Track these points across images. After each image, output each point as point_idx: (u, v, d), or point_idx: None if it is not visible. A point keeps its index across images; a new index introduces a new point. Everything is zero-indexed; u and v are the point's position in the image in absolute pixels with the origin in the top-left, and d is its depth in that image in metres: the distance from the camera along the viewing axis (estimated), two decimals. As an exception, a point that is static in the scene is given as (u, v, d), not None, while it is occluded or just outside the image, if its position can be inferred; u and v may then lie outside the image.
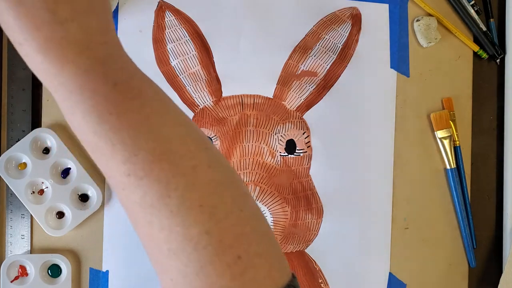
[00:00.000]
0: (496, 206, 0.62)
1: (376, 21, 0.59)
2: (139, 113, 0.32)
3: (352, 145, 0.58)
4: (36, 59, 0.31)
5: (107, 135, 0.32)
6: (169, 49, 0.56)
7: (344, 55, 0.58)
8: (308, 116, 0.58)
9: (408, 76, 0.60)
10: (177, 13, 0.57)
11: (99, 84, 0.32)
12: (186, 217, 0.31)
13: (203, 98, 0.57)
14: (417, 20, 0.59)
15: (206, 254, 0.32)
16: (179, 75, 0.56)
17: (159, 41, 0.56)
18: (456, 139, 0.59)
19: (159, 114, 0.34)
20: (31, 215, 0.54)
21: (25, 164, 0.54)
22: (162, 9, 0.57)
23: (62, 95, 0.32)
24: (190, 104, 0.56)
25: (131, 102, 0.33)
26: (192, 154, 0.33)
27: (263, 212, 0.55)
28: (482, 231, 0.61)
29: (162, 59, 0.56)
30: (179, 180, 0.32)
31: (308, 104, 0.58)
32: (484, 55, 0.61)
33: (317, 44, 0.58)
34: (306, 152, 0.57)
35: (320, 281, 0.57)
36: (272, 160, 0.56)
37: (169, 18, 0.57)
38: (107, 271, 0.55)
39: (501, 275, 0.59)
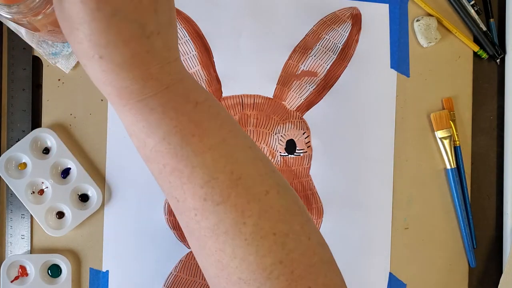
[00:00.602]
0: (496, 206, 0.62)
1: (376, 21, 0.59)
2: (218, 135, 0.31)
3: (352, 145, 0.58)
4: (115, 75, 0.29)
5: (189, 158, 0.30)
6: (169, 49, 0.56)
7: (344, 55, 0.58)
8: (308, 116, 0.58)
9: (408, 76, 0.60)
10: (177, 13, 0.57)
11: (181, 103, 0.31)
12: (260, 246, 0.30)
13: (203, 98, 0.56)
14: (417, 20, 0.59)
15: (278, 285, 0.31)
16: (179, 75, 0.56)
17: (159, 41, 0.56)
18: (456, 139, 0.59)
19: (234, 136, 0.32)
20: (31, 215, 0.54)
21: (25, 164, 0.54)
22: (162, 9, 0.57)
23: (140, 114, 0.30)
24: (190, 104, 0.56)
25: (211, 123, 0.31)
26: (263, 178, 0.32)
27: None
28: (482, 231, 0.61)
29: (162, 59, 0.56)
30: (254, 206, 0.31)
31: (308, 104, 0.58)
32: (484, 55, 0.61)
33: (317, 44, 0.58)
34: (306, 152, 0.57)
35: (320, 281, 0.57)
36: (272, 160, 0.56)
37: (169, 18, 0.57)
38: (107, 271, 0.55)
39: (501, 275, 0.59)
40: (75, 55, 0.30)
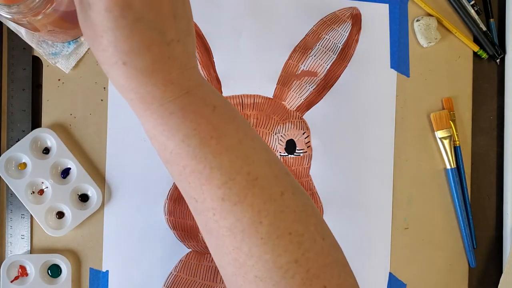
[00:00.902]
0: (496, 206, 0.62)
1: (376, 21, 0.59)
2: (234, 137, 0.33)
3: (352, 145, 0.58)
4: (138, 81, 0.31)
5: (207, 159, 0.32)
6: (169, 49, 0.56)
7: (344, 55, 0.58)
8: (308, 116, 0.58)
9: (408, 76, 0.60)
10: (177, 13, 0.57)
11: (200, 106, 0.32)
12: (276, 245, 0.31)
13: (203, 98, 0.56)
14: (417, 20, 0.59)
15: (293, 283, 0.31)
16: (179, 75, 0.56)
17: (159, 41, 0.56)
18: (456, 139, 0.59)
19: (249, 138, 0.34)
20: (31, 215, 0.54)
21: (25, 164, 0.54)
22: (162, 9, 0.57)
23: (160, 118, 0.32)
24: (190, 104, 0.56)
25: (228, 126, 0.33)
26: (278, 180, 0.33)
27: (263, 212, 0.55)
28: (482, 231, 0.61)
29: (162, 59, 0.56)
30: (270, 206, 0.32)
31: (308, 104, 0.58)
32: (484, 55, 0.61)
33: (317, 44, 0.58)
34: (306, 152, 0.57)
35: (320, 281, 0.57)
36: (272, 160, 0.56)
37: (169, 18, 0.56)
38: (107, 271, 0.55)
39: (501, 275, 0.59)
40: (99, 63, 0.32)
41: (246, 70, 0.57)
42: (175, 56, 0.31)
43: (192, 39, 0.33)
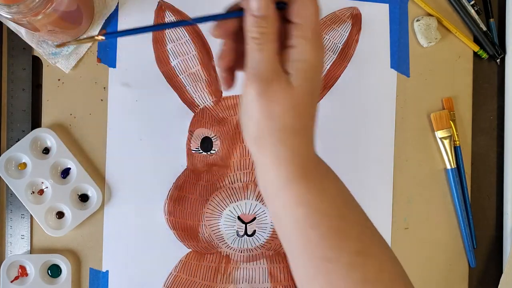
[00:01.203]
0: (496, 206, 0.62)
1: (376, 21, 0.59)
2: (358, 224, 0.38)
3: (352, 145, 0.58)
4: (283, 166, 0.37)
5: (347, 219, 0.37)
6: (169, 49, 0.56)
7: (344, 55, 0.58)
8: (308, 116, 0.58)
9: (408, 76, 0.60)
10: (177, 13, 0.57)
11: (319, 189, 0.37)
12: None
13: (203, 98, 0.56)
14: (417, 20, 0.59)
15: None
16: (179, 75, 0.56)
17: (159, 41, 0.56)
18: (456, 139, 0.59)
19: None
20: (31, 215, 0.54)
21: (25, 164, 0.54)
22: (162, 9, 0.57)
23: (289, 193, 0.36)
24: (190, 104, 0.56)
25: (348, 207, 0.39)
26: (384, 244, 0.39)
27: (263, 212, 0.55)
28: (482, 231, 0.61)
29: (162, 59, 0.56)
30: (388, 260, 0.38)
31: (308, 104, 0.58)
32: (484, 55, 0.61)
33: (317, 44, 0.58)
34: (306, 152, 0.57)
35: (320, 281, 0.57)
36: (272, 160, 0.56)
37: (169, 18, 0.57)
38: (107, 271, 0.55)
39: (501, 275, 0.59)
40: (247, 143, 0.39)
41: (246, 70, 0.57)
42: (308, 142, 0.39)
43: (314, 126, 0.40)
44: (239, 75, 0.39)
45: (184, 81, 0.56)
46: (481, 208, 0.61)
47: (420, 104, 0.60)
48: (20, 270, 0.53)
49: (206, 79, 0.57)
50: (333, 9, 0.58)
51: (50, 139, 0.54)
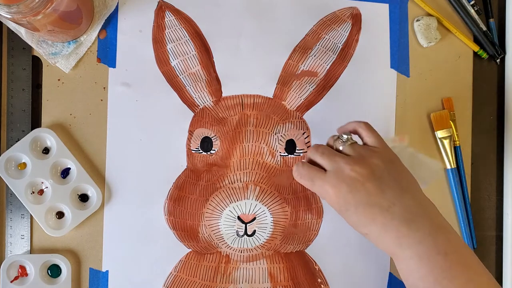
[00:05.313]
0: (496, 206, 0.62)
1: (376, 21, 0.59)
2: (464, 277, 0.42)
3: (352, 145, 0.58)
4: (380, 242, 0.44)
5: None
6: (169, 49, 0.56)
7: (344, 55, 0.58)
8: (308, 116, 0.58)
9: (408, 76, 0.60)
10: (177, 13, 0.57)
11: (433, 254, 0.42)
12: None
13: (203, 98, 0.57)
14: (417, 20, 0.59)
15: None
16: (179, 75, 0.56)
17: (159, 41, 0.56)
18: (456, 139, 0.59)
19: (478, 276, 0.43)
20: (31, 215, 0.54)
21: (25, 164, 0.54)
22: (162, 9, 0.57)
23: (403, 260, 0.43)
24: (190, 104, 0.56)
25: (456, 268, 0.42)
26: None
27: (263, 212, 0.55)
28: (482, 231, 0.61)
29: (162, 59, 0.56)
30: None
31: (308, 104, 0.58)
32: (484, 55, 0.61)
33: (317, 44, 0.58)
34: (306, 152, 0.57)
35: (319, 281, 0.57)
36: (272, 160, 0.56)
37: (169, 18, 0.57)
38: (107, 271, 0.55)
39: (501, 275, 0.59)
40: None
41: (246, 70, 0.57)
42: (397, 216, 0.43)
43: (411, 195, 0.44)
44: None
45: (184, 81, 0.56)
46: (481, 208, 0.61)
47: (420, 104, 0.60)
48: (20, 270, 0.53)
49: (206, 79, 0.57)
50: (333, 9, 0.59)
51: (50, 139, 0.54)
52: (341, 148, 0.48)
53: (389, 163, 0.46)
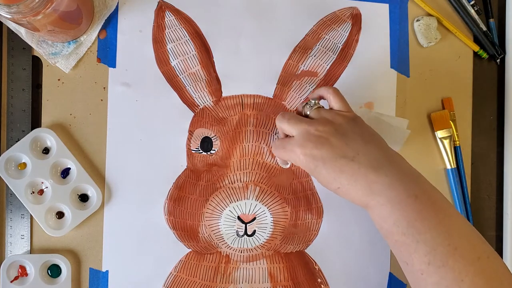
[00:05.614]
0: (496, 206, 0.62)
1: (376, 21, 0.59)
2: (435, 218, 0.42)
3: (352, 145, 0.58)
4: (352, 192, 0.45)
5: (413, 236, 0.42)
6: (169, 49, 0.56)
7: (344, 55, 0.58)
8: (308, 116, 0.58)
9: (408, 76, 0.60)
10: (177, 13, 0.57)
11: (404, 197, 0.43)
12: None
13: (203, 98, 0.57)
14: (417, 20, 0.59)
15: None
16: (179, 75, 0.56)
17: (159, 41, 0.56)
18: (456, 139, 0.59)
19: (449, 217, 0.43)
20: (31, 215, 0.54)
21: (25, 164, 0.54)
22: (162, 9, 0.57)
23: (375, 207, 0.44)
24: (190, 104, 0.56)
25: (428, 210, 0.42)
26: (475, 248, 0.42)
27: (263, 212, 0.55)
28: (482, 231, 0.61)
29: (162, 59, 0.56)
30: (469, 269, 0.41)
31: (308, 104, 0.58)
32: (484, 55, 0.61)
33: (317, 44, 0.58)
34: (306, 152, 0.57)
35: (319, 281, 0.57)
36: (272, 160, 0.56)
37: (169, 18, 0.57)
38: (107, 271, 0.55)
39: (501, 275, 0.58)
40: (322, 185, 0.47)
41: (246, 70, 0.57)
42: (363, 164, 0.44)
43: (371, 146, 0.45)
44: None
45: (184, 81, 0.56)
46: (481, 208, 0.61)
47: (420, 104, 0.60)
48: (20, 270, 0.53)
49: (206, 79, 0.57)
50: (333, 9, 0.59)
51: (50, 139, 0.54)
52: (308, 112, 0.50)
53: (352, 121, 0.47)
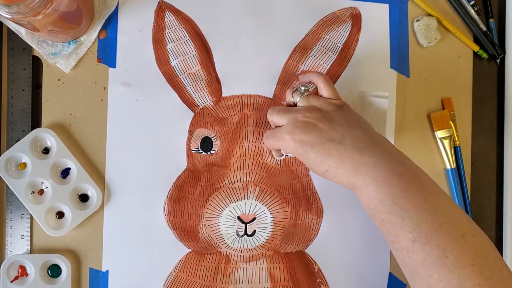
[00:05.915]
0: (496, 206, 0.62)
1: (376, 21, 0.59)
2: (419, 196, 0.43)
3: (352, 145, 0.58)
4: (339, 175, 0.46)
5: (398, 213, 0.43)
6: (169, 49, 0.56)
7: (344, 55, 0.58)
8: (308, 116, 0.58)
9: (408, 76, 0.60)
10: (177, 13, 0.57)
11: (388, 176, 0.44)
12: (461, 273, 0.40)
13: (203, 98, 0.57)
14: (417, 20, 0.59)
15: None
16: (179, 75, 0.56)
17: (159, 41, 0.56)
18: (456, 139, 0.59)
19: (434, 195, 0.44)
20: (31, 215, 0.54)
21: (25, 164, 0.54)
22: (162, 9, 0.57)
23: (362, 188, 0.45)
24: (190, 104, 0.56)
25: (412, 188, 0.43)
26: (460, 225, 0.42)
27: (263, 212, 0.55)
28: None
29: (162, 59, 0.56)
30: (453, 246, 0.41)
31: (308, 104, 0.58)
32: (484, 55, 0.61)
33: (317, 44, 0.58)
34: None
35: (319, 281, 0.57)
36: (272, 160, 0.56)
37: (169, 18, 0.57)
38: (107, 271, 0.55)
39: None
40: (311, 169, 0.49)
41: (246, 70, 0.57)
42: (349, 146, 0.45)
43: (357, 131, 0.46)
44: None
45: (184, 81, 0.56)
46: (481, 208, 0.61)
47: (420, 104, 0.60)
48: (20, 270, 0.53)
49: (206, 79, 0.57)
50: (333, 9, 0.59)
51: (50, 139, 0.54)
52: (298, 99, 0.51)
53: (339, 108, 0.49)
